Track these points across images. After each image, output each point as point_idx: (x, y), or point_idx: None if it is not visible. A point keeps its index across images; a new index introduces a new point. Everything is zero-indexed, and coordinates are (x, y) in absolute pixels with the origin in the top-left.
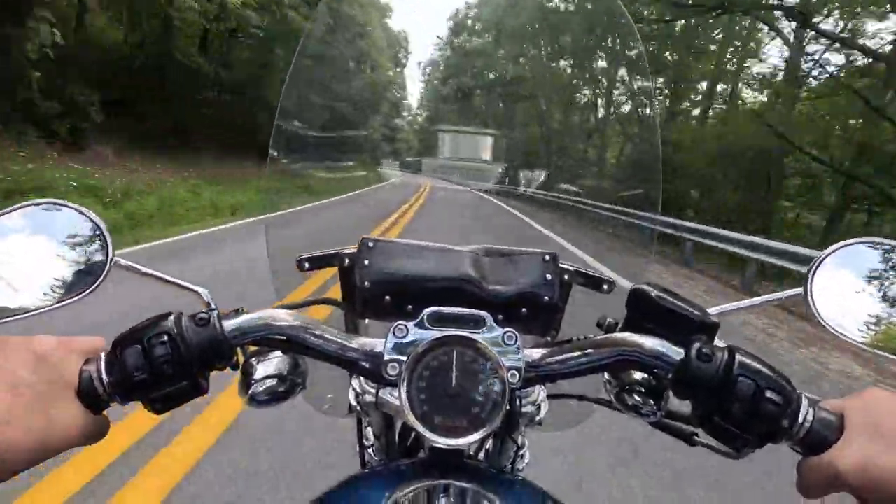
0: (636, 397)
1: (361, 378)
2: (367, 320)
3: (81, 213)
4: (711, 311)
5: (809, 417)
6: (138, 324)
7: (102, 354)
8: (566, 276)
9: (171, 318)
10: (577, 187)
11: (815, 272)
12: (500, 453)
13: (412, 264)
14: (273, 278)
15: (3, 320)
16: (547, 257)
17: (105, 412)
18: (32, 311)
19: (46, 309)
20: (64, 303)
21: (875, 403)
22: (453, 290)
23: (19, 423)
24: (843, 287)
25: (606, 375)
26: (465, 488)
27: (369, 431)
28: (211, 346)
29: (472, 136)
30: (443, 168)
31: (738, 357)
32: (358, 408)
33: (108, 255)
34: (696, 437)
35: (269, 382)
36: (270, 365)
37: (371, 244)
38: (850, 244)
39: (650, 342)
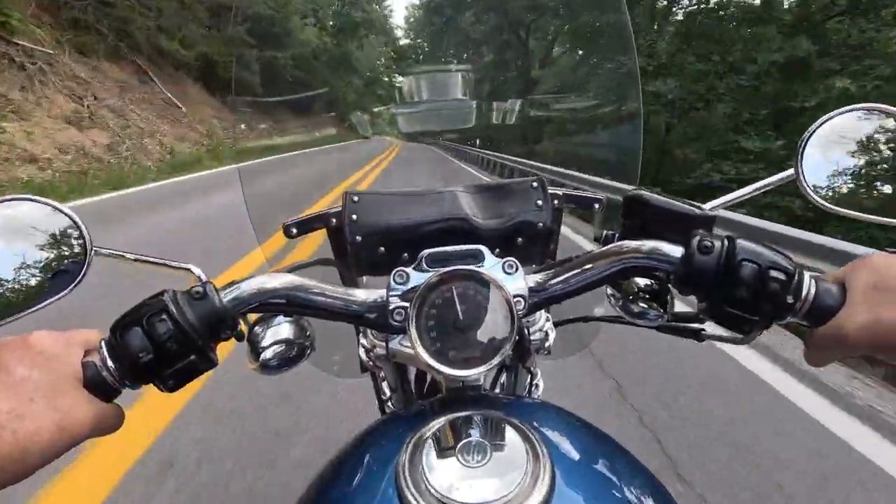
0: (641, 304)
1: (370, 334)
2: (364, 278)
3: (48, 205)
4: (706, 206)
5: (812, 290)
6: (133, 307)
7: (103, 342)
8: (556, 201)
9: (167, 295)
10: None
11: (804, 151)
12: (515, 385)
13: (400, 212)
14: (253, 222)
15: None
16: (535, 184)
17: (117, 400)
18: (17, 314)
19: (32, 310)
20: (49, 300)
21: (875, 264)
22: (447, 230)
23: (30, 418)
24: (835, 161)
25: (610, 290)
26: (487, 416)
27: (385, 386)
28: (211, 318)
29: (447, 75)
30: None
31: (738, 243)
32: (371, 363)
33: (86, 246)
34: (703, 332)
35: (278, 348)
36: (277, 331)
37: (356, 198)
38: (838, 114)
39: (649, 244)
